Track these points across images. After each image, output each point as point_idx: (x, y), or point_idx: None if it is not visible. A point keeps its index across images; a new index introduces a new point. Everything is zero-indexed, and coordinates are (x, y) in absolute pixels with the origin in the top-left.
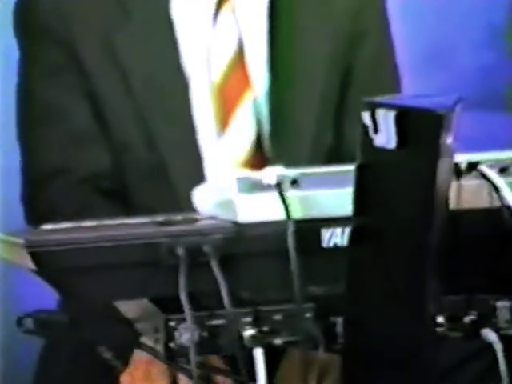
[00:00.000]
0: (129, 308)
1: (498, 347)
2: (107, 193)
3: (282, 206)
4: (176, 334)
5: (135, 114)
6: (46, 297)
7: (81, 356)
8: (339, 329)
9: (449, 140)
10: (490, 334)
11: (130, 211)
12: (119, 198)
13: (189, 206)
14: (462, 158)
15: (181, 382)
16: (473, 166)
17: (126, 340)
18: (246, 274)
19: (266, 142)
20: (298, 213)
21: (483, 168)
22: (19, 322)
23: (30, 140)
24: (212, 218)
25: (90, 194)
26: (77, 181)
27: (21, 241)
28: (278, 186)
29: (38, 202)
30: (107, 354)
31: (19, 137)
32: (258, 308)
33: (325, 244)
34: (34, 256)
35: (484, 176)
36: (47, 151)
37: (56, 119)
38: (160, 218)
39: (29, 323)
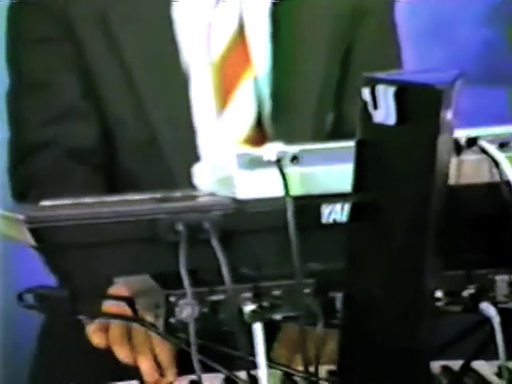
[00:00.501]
0: (129, 284)
1: (496, 321)
2: (93, 168)
3: (281, 183)
4: (176, 309)
5: (129, 89)
6: (47, 273)
7: (80, 333)
8: (338, 304)
9: (449, 116)
10: (488, 308)
11: (117, 188)
12: (105, 174)
13: (183, 182)
14: (462, 134)
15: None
16: (473, 142)
17: None
18: (246, 250)
19: (267, 121)
20: (297, 189)
21: (483, 143)
22: (20, 297)
23: (16, 110)
24: (211, 194)
25: (74, 168)
26: (61, 154)
27: (21, 217)
28: (278, 162)
29: (20, 174)
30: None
31: (6, 107)
32: (257, 284)
33: (324, 220)
34: (34, 232)
35: (484, 151)
36: (32, 123)
37: (44, 90)
38: (159, 195)
39: (29, 298)
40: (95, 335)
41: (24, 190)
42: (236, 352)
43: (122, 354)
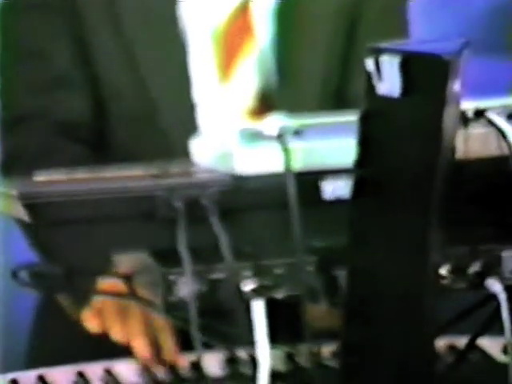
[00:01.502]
0: (126, 261)
1: (502, 297)
2: (81, 141)
3: (283, 158)
4: (175, 287)
5: (127, 60)
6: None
7: None
8: (341, 282)
9: (456, 87)
10: (494, 285)
11: (108, 161)
12: (93, 147)
13: (181, 156)
14: (469, 106)
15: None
16: (480, 113)
17: None
18: (246, 228)
19: (271, 91)
20: (299, 164)
21: (491, 115)
22: (14, 274)
23: (5, 78)
24: (210, 170)
25: (61, 143)
26: (48, 127)
27: (14, 192)
28: (280, 137)
29: (5, 146)
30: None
31: None
32: (258, 261)
33: (327, 196)
34: (28, 208)
35: (491, 123)
36: (21, 92)
37: (35, 58)
38: (155, 170)
39: (23, 275)
40: (89, 322)
41: (9, 163)
42: (236, 331)
43: (117, 334)
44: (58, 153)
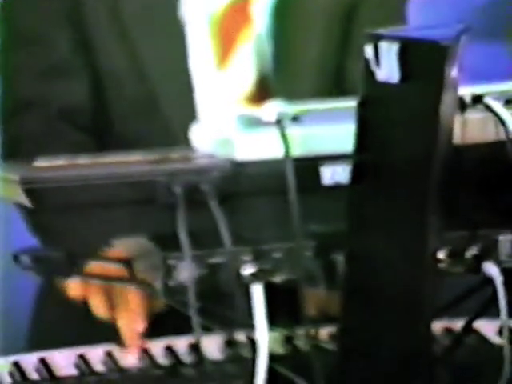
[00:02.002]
0: (126, 246)
1: (499, 281)
2: (81, 128)
3: (281, 144)
4: (175, 272)
5: (125, 44)
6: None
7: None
8: (339, 266)
9: (453, 72)
10: (491, 268)
11: (108, 147)
12: (94, 134)
13: (181, 141)
14: (467, 91)
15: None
16: (478, 99)
17: None
18: (245, 213)
19: (268, 79)
20: (298, 150)
21: (488, 100)
22: (15, 258)
23: (6, 65)
24: (210, 155)
25: (61, 127)
26: (50, 114)
27: (15, 177)
28: (278, 122)
29: (8, 133)
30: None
31: None
32: (257, 246)
33: (325, 181)
34: (29, 193)
35: (489, 108)
36: (21, 79)
37: (34, 44)
38: (155, 155)
39: (25, 259)
40: (71, 288)
41: (13, 150)
42: (235, 314)
43: (99, 307)
44: (61, 139)
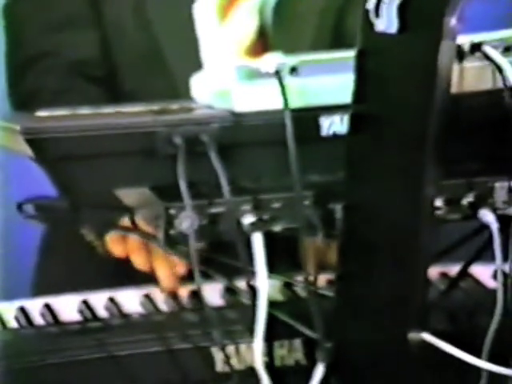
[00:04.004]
0: (128, 196)
1: (494, 227)
2: (94, 80)
3: (280, 95)
4: (176, 221)
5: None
6: (47, 183)
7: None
8: (338, 215)
9: (452, 22)
10: (486, 215)
11: (118, 100)
12: (106, 86)
13: (185, 93)
14: (465, 40)
15: None
16: (476, 47)
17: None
18: (245, 163)
19: (269, 32)
20: (296, 101)
21: (487, 48)
22: (19, 207)
23: (14, 19)
24: (209, 106)
25: (75, 79)
26: (62, 65)
27: (17, 127)
28: (277, 74)
29: (20, 86)
30: (90, 236)
31: (3, 15)
32: (257, 196)
33: (324, 132)
34: (31, 143)
35: (487, 57)
36: (31, 33)
37: None
38: (156, 107)
39: (29, 209)
40: (115, 247)
41: (24, 103)
42: (236, 262)
43: (140, 261)
44: (74, 91)
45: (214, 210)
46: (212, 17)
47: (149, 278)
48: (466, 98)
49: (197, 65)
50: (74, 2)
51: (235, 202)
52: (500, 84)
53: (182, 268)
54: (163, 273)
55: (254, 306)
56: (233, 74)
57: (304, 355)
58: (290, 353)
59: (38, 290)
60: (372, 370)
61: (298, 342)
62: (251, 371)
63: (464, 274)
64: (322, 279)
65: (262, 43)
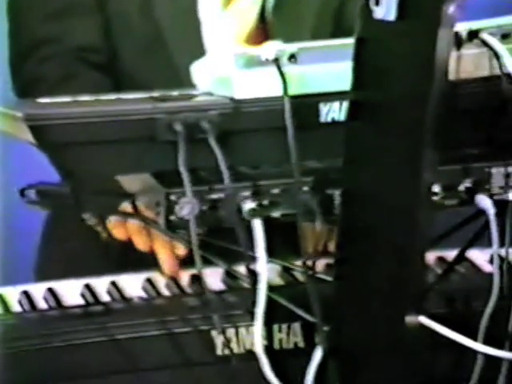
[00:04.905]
0: (129, 182)
1: (491, 212)
2: (96, 66)
3: (279, 82)
4: (176, 207)
5: None
6: (48, 169)
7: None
8: (336, 201)
9: (451, 9)
10: (483, 200)
11: (119, 86)
12: (108, 73)
13: (187, 80)
14: (463, 27)
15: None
16: (474, 34)
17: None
18: (244, 150)
19: (269, 19)
20: (295, 88)
21: (484, 35)
22: (22, 193)
23: (16, 6)
24: (209, 94)
25: (77, 65)
26: (64, 51)
27: (19, 114)
28: (276, 61)
29: (23, 72)
30: (92, 221)
31: (6, 2)
32: (256, 182)
33: (323, 119)
34: (33, 129)
35: (485, 43)
36: (34, 19)
37: None
38: (156, 94)
39: (32, 194)
40: (116, 230)
41: (27, 89)
42: (236, 247)
43: (141, 242)
44: (78, 78)
45: (214, 196)
46: (215, 3)
47: (150, 263)
48: (463, 84)
49: (198, 51)
50: None
51: (235, 188)
52: (497, 71)
53: (182, 250)
54: (164, 255)
55: (253, 290)
56: (232, 61)
57: (303, 339)
58: (289, 336)
59: (40, 275)
60: (370, 353)
61: (297, 326)
62: (251, 354)
63: (461, 258)
64: (321, 264)
65: (263, 31)
